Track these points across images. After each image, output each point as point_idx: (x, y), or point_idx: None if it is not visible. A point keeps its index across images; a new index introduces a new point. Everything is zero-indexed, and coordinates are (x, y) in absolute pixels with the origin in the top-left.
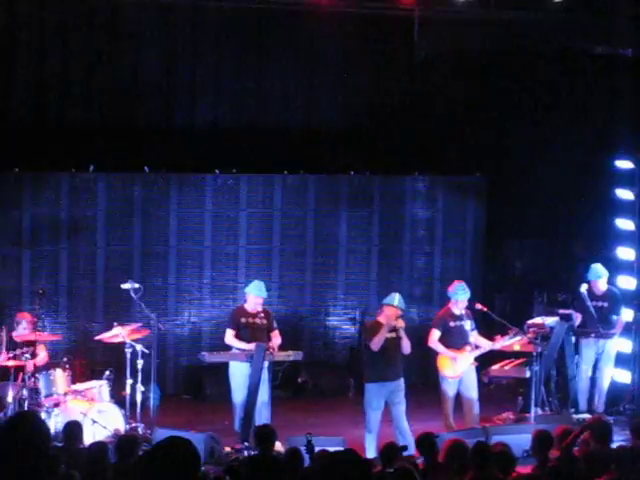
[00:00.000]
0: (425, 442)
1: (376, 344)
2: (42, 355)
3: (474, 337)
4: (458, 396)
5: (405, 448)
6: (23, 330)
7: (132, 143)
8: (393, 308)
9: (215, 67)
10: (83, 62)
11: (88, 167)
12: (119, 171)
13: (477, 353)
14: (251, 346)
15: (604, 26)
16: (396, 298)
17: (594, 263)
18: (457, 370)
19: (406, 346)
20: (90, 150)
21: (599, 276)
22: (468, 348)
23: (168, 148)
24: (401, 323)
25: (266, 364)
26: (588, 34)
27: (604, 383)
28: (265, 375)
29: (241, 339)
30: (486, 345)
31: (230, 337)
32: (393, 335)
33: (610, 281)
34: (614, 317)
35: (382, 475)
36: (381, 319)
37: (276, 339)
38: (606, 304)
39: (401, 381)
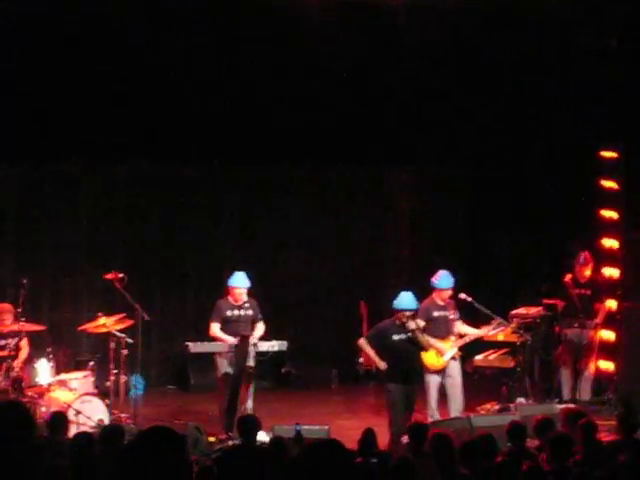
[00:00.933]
0: (416, 432)
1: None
2: (25, 349)
3: (459, 326)
4: (442, 386)
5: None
6: (4, 321)
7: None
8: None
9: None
10: None
11: (71, 157)
12: (102, 162)
13: (461, 343)
14: (235, 340)
15: (590, 16)
16: (403, 300)
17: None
18: (441, 361)
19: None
20: (73, 140)
21: (585, 263)
22: (452, 338)
23: (152, 138)
24: (413, 325)
25: (252, 354)
26: (575, 24)
27: (588, 373)
28: (251, 365)
29: (226, 332)
30: (471, 333)
31: (215, 330)
32: (402, 337)
33: (594, 271)
34: (597, 305)
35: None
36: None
37: (260, 329)
38: (589, 292)
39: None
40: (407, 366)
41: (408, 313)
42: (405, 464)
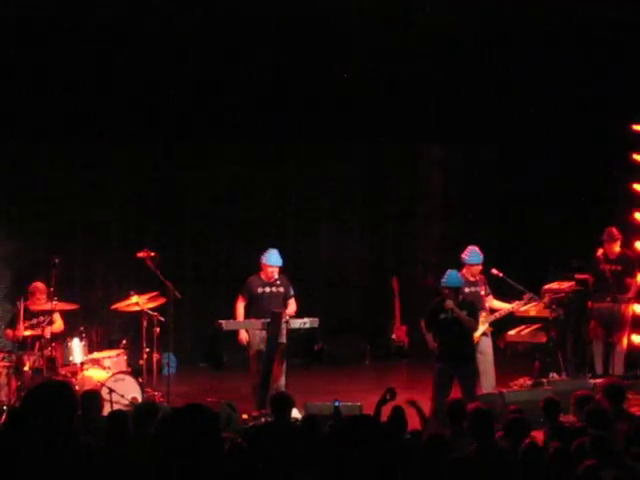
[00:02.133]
0: (454, 409)
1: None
2: (58, 323)
3: (490, 302)
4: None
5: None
6: (38, 300)
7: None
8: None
9: None
10: None
11: (103, 137)
12: (133, 141)
13: (492, 318)
14: (249, 321)
15: None
16: (445, 278)
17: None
18: (473, 336)
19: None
20: (105, 119)
21: (613, 239)
22: (484, 314)
23: (181, 116)
24: (450, 304)
25: (284, 331)
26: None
27: (621, 347)
28: (283, 341)
29: (257, 308)
30: (503, 308)
31: (238, 305)
32: (447, 316)
33: (625, 245)
34: (629, 280)
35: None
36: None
37: (292, 306)
38: (620, 267)
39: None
40: (452, 346)
41: (447, 291)
42: (439, 440)
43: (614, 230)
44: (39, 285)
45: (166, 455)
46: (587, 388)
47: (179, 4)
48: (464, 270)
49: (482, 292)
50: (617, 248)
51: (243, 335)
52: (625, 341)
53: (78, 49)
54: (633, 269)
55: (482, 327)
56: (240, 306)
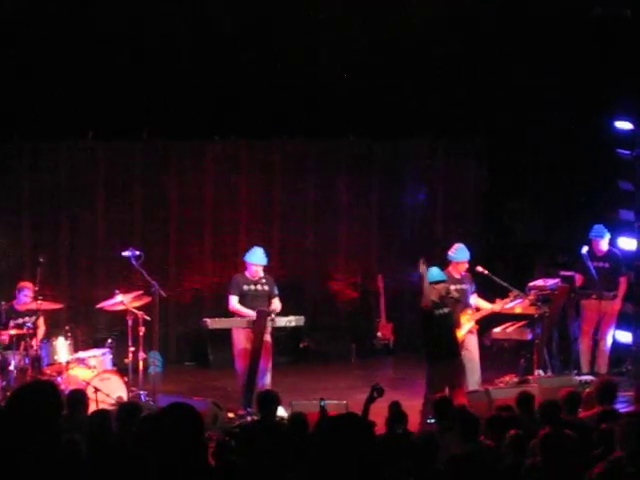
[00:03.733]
0: (440, 406)
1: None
2: (42, 328)
3: (474, 300)
4: None
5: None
6: (24, 299)
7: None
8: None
9: None
10: None
11: (87, 134)
12: (118, 138)
13: (478, 316)
14: (234, 319)
15: None
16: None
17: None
18: (459, 334)
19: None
20: (88, 117)
21: (601, 235)
22: (469, 311)
23: (167, 114)
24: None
25: (269, 329)
26: None
27: (606, 344)
28: (268, 340)
29: (243, 306)
30: (487, 307)
31: (235, 303)
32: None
33: (611, 242)
34: (618, 278)
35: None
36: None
37: (275, 305)
38: (607, 265)
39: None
40: (449, 340)
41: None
42: (428, 437)
43: (601, 227)
44: (26, 284)
45: (148, 454)
46: (573, 385)
47: (169, 7)
48: (450, 267)
49: (468, 289)
50: (605, 245)
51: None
52: (610, 339)
53: (61, 46)
54: (620, 266)
55: (468, 325)
56: (237, 303)
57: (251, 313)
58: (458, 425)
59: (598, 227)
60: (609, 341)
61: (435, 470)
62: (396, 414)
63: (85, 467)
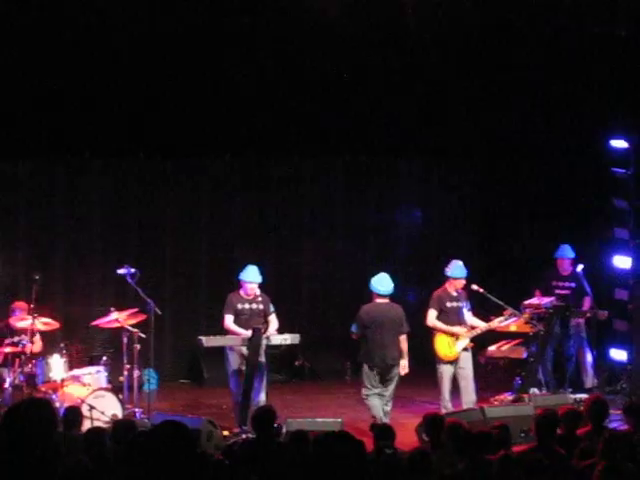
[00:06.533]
0: (432, 423)
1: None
2: (38, 344)
3: (469, 318)
4: (455, 378)
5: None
6: (19, 319)
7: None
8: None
9: None
10: None
11: (84, 153)
12: (114, 156)
13: (473, 334)
14: (249, 332)
15: (599, 5)
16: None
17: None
18: (454, 351)
19: None
20: (84, 134)
21: (567, 255)
22: (465, 329)
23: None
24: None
25: (263, 347)
26: (583, 13)
27: (586, 362)
28: (262, 359)
29: (238, 325)
30: (481, 326)
31: (229, 322)
32: None
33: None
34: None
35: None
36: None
37: (273, 324)
38: (573, 284)
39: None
40: None
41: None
42: (421, 455)
43: (567, 247)
44: (21, 304)
45: (141, 472)
46: (567, 403)
47: (164, 18)
48: (447, 284)
49: (464, 307)
50: (569, 266)
51: None
52: (589, 356)
53: (60, 63)
54: (584, 286)
55: (463, 342)
56: (231, 322)
57: (244, 332)
58: (451, 443)
59: (564, 247)
60: (589, 359)
61: None
62: (379, 434)
63: None
